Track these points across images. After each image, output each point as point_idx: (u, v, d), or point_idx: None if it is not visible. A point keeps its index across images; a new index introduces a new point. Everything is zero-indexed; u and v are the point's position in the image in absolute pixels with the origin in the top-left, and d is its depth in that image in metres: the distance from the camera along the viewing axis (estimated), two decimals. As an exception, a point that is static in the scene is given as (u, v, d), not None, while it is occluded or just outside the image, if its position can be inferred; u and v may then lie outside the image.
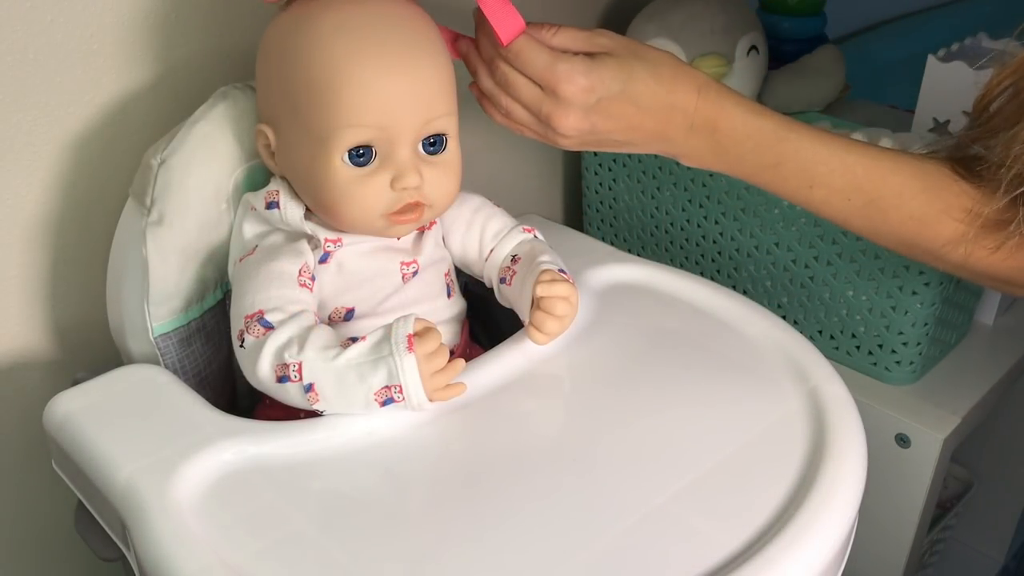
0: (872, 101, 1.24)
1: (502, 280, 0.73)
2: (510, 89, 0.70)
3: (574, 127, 0.69)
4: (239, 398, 0.79)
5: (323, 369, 0.61)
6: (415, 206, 0.67)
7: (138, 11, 0.75)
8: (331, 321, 0.69)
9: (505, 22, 0.67)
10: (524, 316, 0.70)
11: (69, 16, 0.72)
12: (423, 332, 0.62)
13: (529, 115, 0.71)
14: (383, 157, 0.65)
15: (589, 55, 0.69)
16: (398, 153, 0.65)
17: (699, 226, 1.03)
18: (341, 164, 0.64)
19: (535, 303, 0.68)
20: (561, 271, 0.70)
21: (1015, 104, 0.70)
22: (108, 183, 0.78)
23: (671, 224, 1.06)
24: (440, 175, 0.67)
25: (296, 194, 0.68)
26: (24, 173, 0.74)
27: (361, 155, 0.64)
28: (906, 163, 0.73)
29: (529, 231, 0.76)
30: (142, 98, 0.78)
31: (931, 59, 1.02)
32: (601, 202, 1.13)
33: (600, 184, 1.11)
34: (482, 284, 0.77)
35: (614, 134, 0.71)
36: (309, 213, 0.69)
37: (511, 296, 0.73)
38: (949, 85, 1.01)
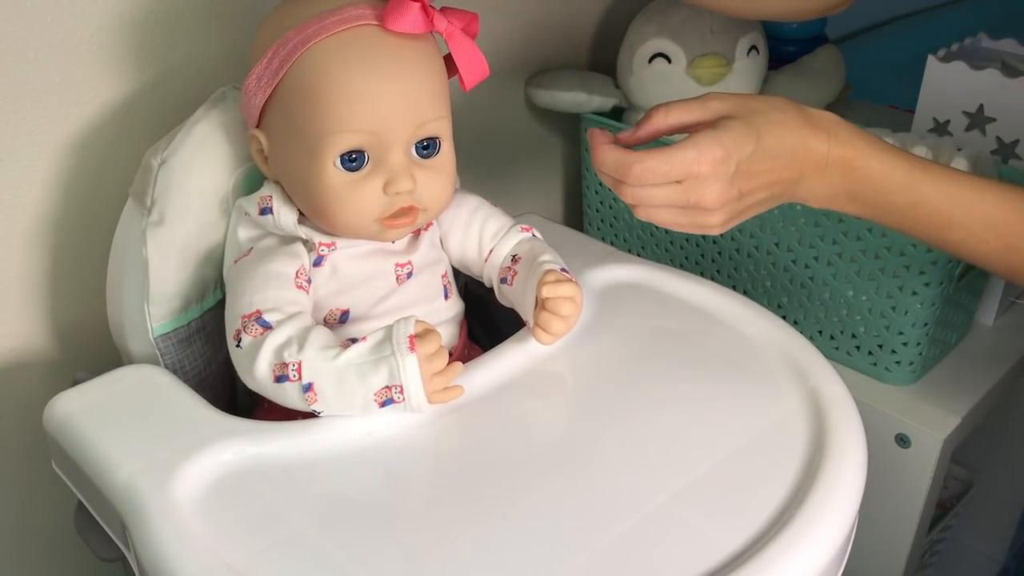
0: (872, 101, 1.24)
1: (503, 280, 0.73)
2: (649, 203, 0.66)
3: (720, 197, 0.65)
4: (239, 398, 0.79)
5: (323, 369, 0.61)
6: (409, 210, 0.67)
7: (138, 11, 0.75)
8: (326, 323, 0.69)
9: (472, 67, 0.66)
10: (527, 316, 0.70)
11: (69, 16, 0.72)
12: (424, 333, 0.62)
13: (675, 210, 0.67)
14: (376, 161, 0.65)
15: (708, 125, 0.66)
16: (391, 157, 0.65)
17: (699, 226, 1.03)
18: (334, 169, 0.64)
19: (540, 304, 0.67)
20: (563, 270, 0.70)
21: None
22: (108, 183, 0.78)
23: (671, 224, 1.06)
24: (433, 178, 0.67)
25: (289, 199, 0.68)
26: (24, 173, 0.74)
27: (353, 160, 0.64)
28: None
29: (527, 230, 0.76)
30: (142, 98, 0.78)
31: (931, 59, 1.02)
32: (601, 202, 1.13)
33: (600, 184, 1.11)
34: (481, 284, 0.77)
35: (758, 193, 0.67)
36: (303, 218, 0.69)
37: (513, 296, 0.73)
38: (949, 85, 1.01)
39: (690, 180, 0.65)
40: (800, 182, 0.68)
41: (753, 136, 0.65)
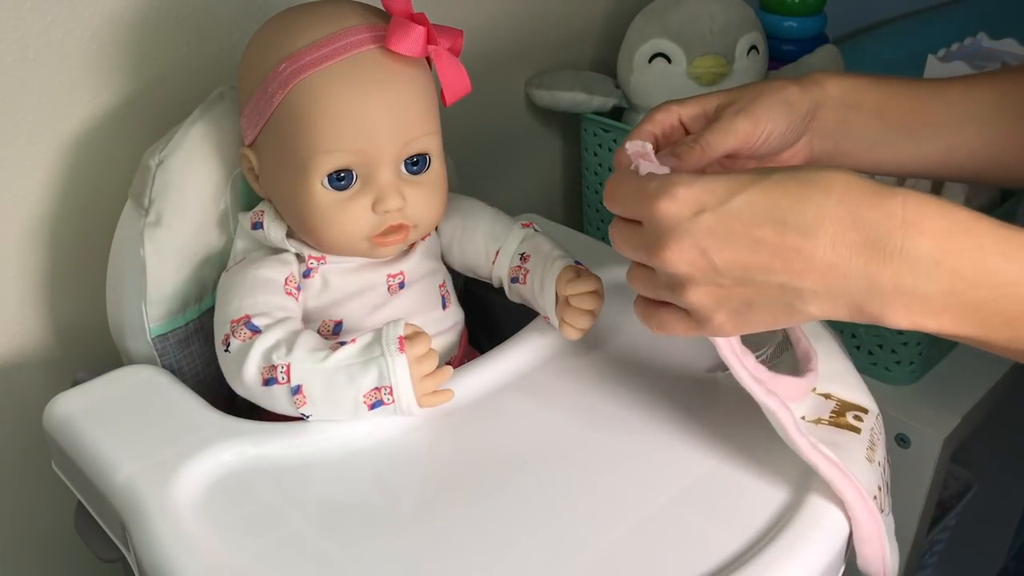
0: (872, 101, 1.23)
1: (514, 280, 0.73)
2: (615, 244, 0.54)
3: (680, 258, 0.49)
4: (238, 399, 0.79)
5: (312, 370, 0.61)
6: (399, 228, 0.66)
7: (137, 12, 0.75)
8: (319, 334, 0.69)
9: (455, 84, 0.65)
10: (547, 312, 0.69)
11: (69, 16, 0.72)
12: (413, 336, 0.62)
13: (644, 275, 0.53)
14: (364, 180, 0.65)
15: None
16: (379, 175, 0.64)
17: (699, 226, 1.03)
18: (321, 189, 0.64)
19: (563, 301, 0.67)
20: (577, 263, 0.70)
21: None
22: (108, 183, 0.78)
23: (671, 224, 1.06)
24: (424, 195, 0.67)
25: (279, 215, 0.69)
26: (24, 173, 0.74)
27: (341, 179, 0.64)
28: None
29: (528, 225, 0.76)
30: (141, 98, 0.78)
31: (931, 59, 1.02)
32: (601, 202, 1.12)
33: (600, 184, 1.11)
34: (481, 284, 0.77)
35: (749, 266, 0.49)
36: (292, 232, 0.69)
37: (528, 294, 0.72)
38: (949, 85, 1.00)
39: (647, 221, 0.51)
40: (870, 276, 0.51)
41: (742, 184, 0.50)
